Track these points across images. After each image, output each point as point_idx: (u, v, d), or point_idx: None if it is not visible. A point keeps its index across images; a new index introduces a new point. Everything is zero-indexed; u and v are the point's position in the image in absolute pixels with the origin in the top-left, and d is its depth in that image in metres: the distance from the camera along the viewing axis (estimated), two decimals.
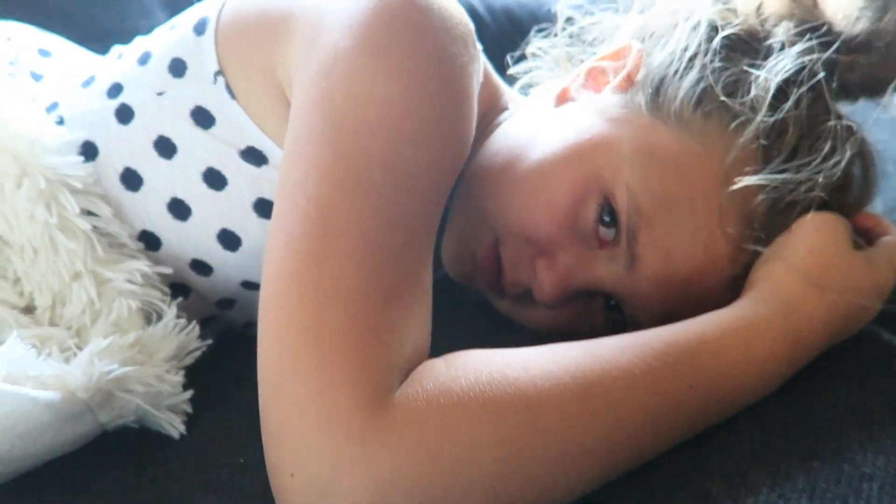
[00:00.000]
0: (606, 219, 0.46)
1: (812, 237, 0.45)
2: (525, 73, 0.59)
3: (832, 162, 0.46)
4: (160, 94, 0.49)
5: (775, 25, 0.49)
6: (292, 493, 0.35)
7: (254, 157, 0.48)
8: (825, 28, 0.48)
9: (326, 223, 0.38)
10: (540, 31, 0.59)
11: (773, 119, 0.45)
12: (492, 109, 0.55)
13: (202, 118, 0.48)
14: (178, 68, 0.49)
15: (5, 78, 0.52)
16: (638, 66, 0.50)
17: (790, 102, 0.45)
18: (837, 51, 0.48)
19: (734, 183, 0.44)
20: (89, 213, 0.48)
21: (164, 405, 0.45)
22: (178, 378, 0.45)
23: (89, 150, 0.49)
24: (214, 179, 0.49)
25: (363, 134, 0.39)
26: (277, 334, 0.36)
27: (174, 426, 0.45)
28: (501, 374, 0.36)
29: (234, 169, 0.48)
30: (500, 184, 0.49)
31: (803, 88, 0.45)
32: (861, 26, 0.48)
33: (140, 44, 0.53)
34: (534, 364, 0.37)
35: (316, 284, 0.36)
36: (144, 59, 0.51)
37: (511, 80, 0.60)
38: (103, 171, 0.49)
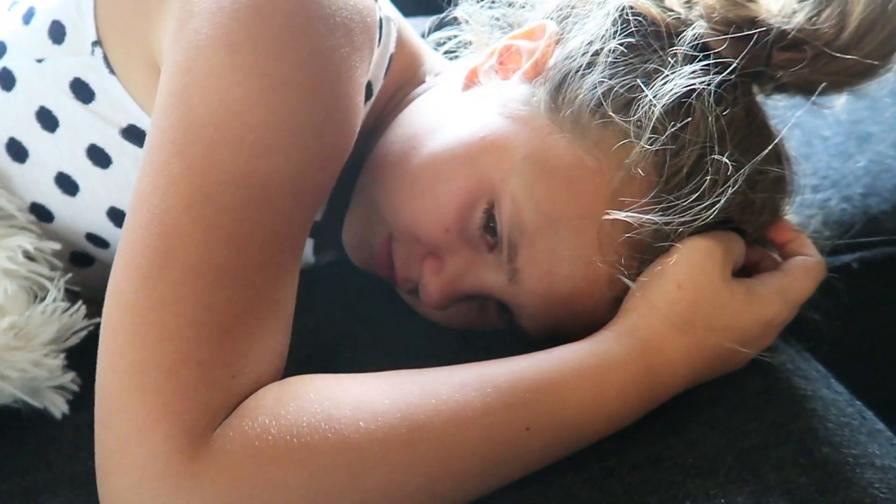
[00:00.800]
0: (492, 224, 0.43)
1: (682, 268, 0.41)
2: (449, 39, 0.54)
3: (711, 201, 0.40)
4: (40, 60, 0.46)
5: (697, 19, 0.43)
6: None
7: (136, 136, 0.46)
8: (754, 29, 0.42)
9: (166, 244, 0.35)
10: None
11: (653, 147, 0.40)
12: (409, 82, 0.51)
13: (82, 92, 0.46)
14: (57, 33, 0.46)
15: None
16: (548, 53, 0.45)
17: (673, 129, 0.40)
18: (768, 47, 0.42)
19: (620, 204, 0.40)
20: None
21: (45, 387, 0.45)
22: (58, 362, 0.45)
23: None
24: (99, 156, 0.47)
25: (216, 143, 0.36)
26: (109, 364, 0.35)
27: (58, 407, 0.46)
28: (325, 414, 0.35)
29: (118, 148, 0.46)
30: (393, 179, 0.46)
31: (689, 118, 0.41)
32: (795, 20, 0.42)
33: None
34: (365, 400, 0.36)
35: (148, 313, 0.35)
36: (28, 17, 0.47)
37: None
38: None
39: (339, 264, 0.57)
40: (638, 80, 0.41)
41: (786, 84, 0.44)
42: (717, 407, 0.43)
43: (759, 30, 0.42)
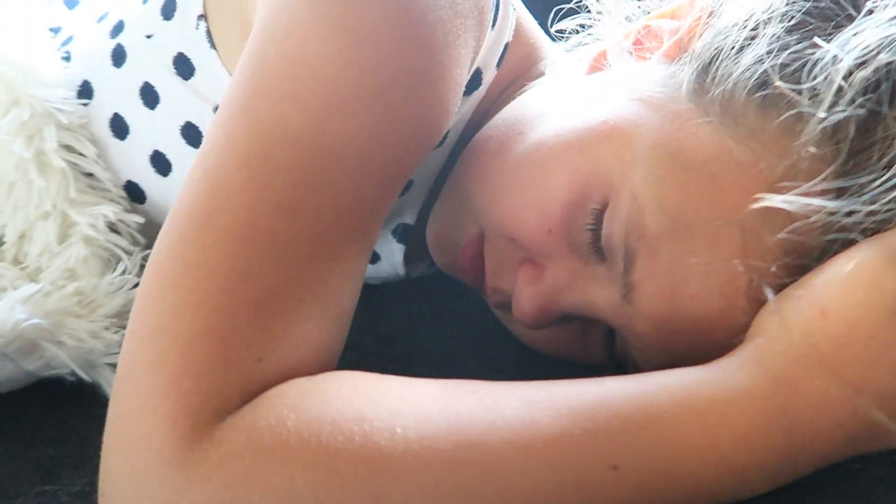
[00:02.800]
0: (595, 229, 0.37)
1: (833, 290, 0.31)
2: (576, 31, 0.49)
3: None
4: (149, 36, 0.47)
5: None
6: None
7: None
8: None
9: (212, 203, 0.32)
10: None
11: (836, 116, 0.32)
12: (525, 75, 0.47)
13: (183, 67, 0.45)
14: (168, 9, 0.46)
15: (16, 4, 0.52)
16: (695, 30, 0.38)
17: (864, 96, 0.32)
18: None
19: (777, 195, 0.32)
20: (74, 152, 0.47)
21: (100, 362, 0.44)
22: (117, 337, 0.44)
23: (86, 90, 0.48)
24: (192, 135, 0.46)
25: (284, 98, 0.33)
26: (131, 327, 0.32)
27: (110, 382, 0.44)
28: (356, 413, 0.29)
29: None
30: (491, 167, 0.41)
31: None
32: None
33: None
34: (409, 404, 0.30)
35: (178, 275, 0.31)
36: None
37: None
38: (94, 114, 0.48)
39: (433, 276, 0.52)
40: (816, 39, 0.33)
41: None
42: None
43: None
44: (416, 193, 0.47)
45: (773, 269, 0.32)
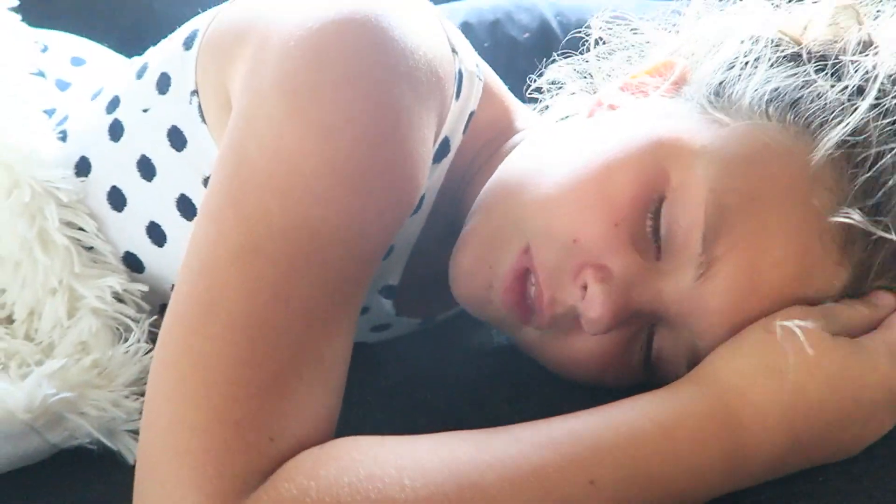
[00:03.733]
0: (654, 228, 0.41)
1: (774, 318, 0.38)
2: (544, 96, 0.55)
3: None
4: (145, 110, 0.49)
5: (820, 47, 0.44)
6: None
7: None
8: (871, 50, 0.42)
9: (211, 296, 0.35)
10: (562, 55, 0.54)
11: (861, 118, 0.39)
12: (501, 132, 0.51)
13: (177, 139, 0.48)
14: (163, 84, 0.49)
15: (17, 88, 0.54)
16: (685, 75, 0.46)
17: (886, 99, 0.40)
18: None
19: (825, 191, 0.39)
20: (74, 228, 0.50)
21: (120, 429, 0.46)
22: (136, 405, 0.46)
23: (83, 166, 0.51)
24: (186, 207, 0.48)
25: (267, 193, 0.37)
26: (147, 421, 0.35)
27: (130, 451, 0.46)
28: (368, 474, 0.33)
29: (200, 197, 0.47)
30: (541, 184, 0.43)
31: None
32: None
33: (146, 56, 0.53)
34: (411, 459, 0.34)
35: (187, 368, 0.35)
36: (141, 72, 0.51)
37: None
38: (92, 188, 0.50)
39: (423, 336, 0.56)
40: (812, 72, 0.41)
41: None
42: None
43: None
44: (398, 257, 0.50)
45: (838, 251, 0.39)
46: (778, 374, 0.37)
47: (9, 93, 0.53)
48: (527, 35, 0.87)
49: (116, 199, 0.50)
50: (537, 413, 0.38)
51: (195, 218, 0.39)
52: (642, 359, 0.44)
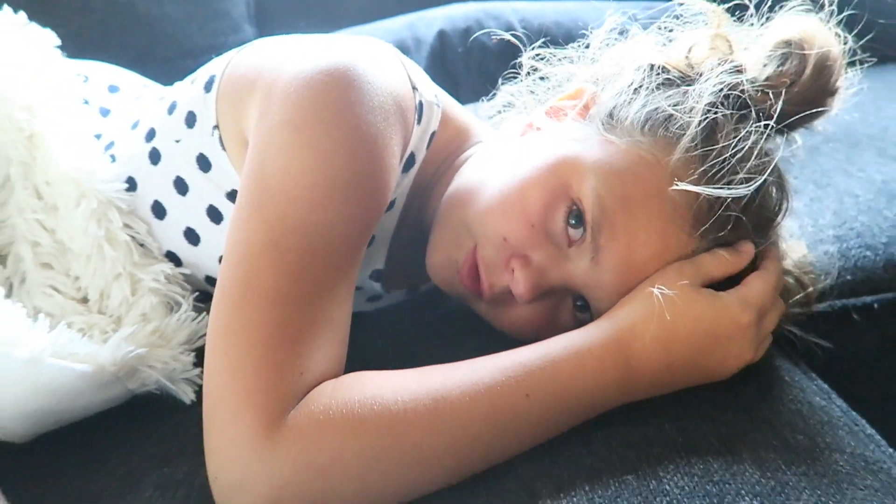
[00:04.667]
0: (573, 221, 0.55)
1: (651, 279, 0.53)
2: (497, 112, 0.71)
3: (748, 178, 0.53)
4: (178, 141, 0.63)
5: (703, 67, 0.58)
6: (216, 493, 0.47)
7: (236, 199, 0.60)
8: (741, 68, 0.57)
9: (248, 279, 0.49)
10: (507, 78, 0.69)
11: (704, 129, 0.53)
12: (458, 147, 0.66)
13: (204, 163, 0.62)
14: (190, 120, 0.63)
15: (73, 118, 0.69)
16: (592, 101, 0.60)
17: (717, 118, 0.54)
18: (754, 88, 0.56)
19: (678, 182, 0.53)
20: (130, 229, 0.65)
21: (179, 378, 0.61)
22: (189, 358, 0.61)
23: (131, 184, 0.65)
24: (214, 214, 0.63)
25: (282, 202, 0.50)
26: (214, 368, 0.49)
27: (187, 394, 0.61)
28: (371, 395, 0.47)
29: (225, 207, 0.62)
30: (480, 196, 0.58)
31: (728, 112, 0.54)
32: (768, 70, 0.56)
33: (172, 93, 0.68)
34: (402, 384, 0.48)
35: (238, 329, 0.48)
36: (171, 109, 0.65)
37: None
38: (139, 201, 0.64)
39: (408, 303, 0.72)
40: (676, 106, 0.55)
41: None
42: (711, 405, 0.54)
43: (744, 77, 0.56)
44: (380, 244, 0.65)
45: (688, 226, 0.53)
46: (656, 317, 0.52)
47: (70, 122, 0.67)
48: (496, 40, 1.01)
49: (159, 210, 0.65)
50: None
51: (230, 222, 0.53)
52: (575, 323, 0.58)
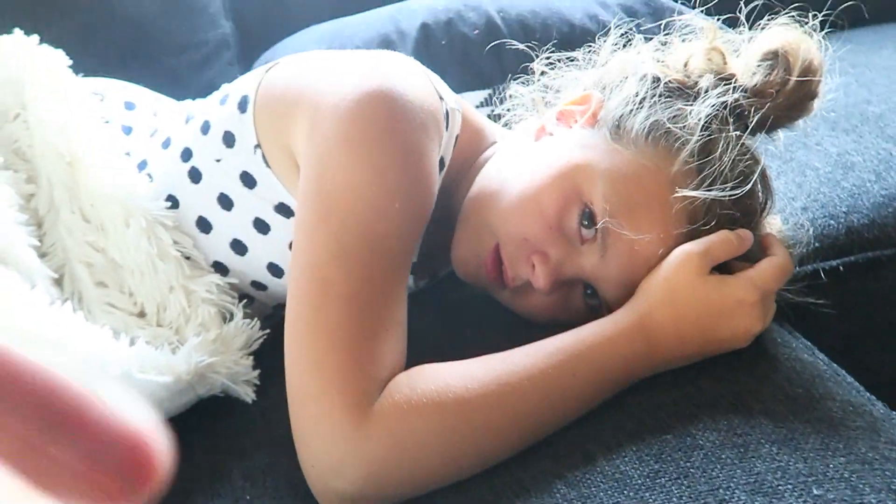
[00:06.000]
0: (585, 222, 0.62)
1: (666, 266, 0.61)
2: (508, 110, 0.78)
3: (742, 183, 0.62)
4: (218, 160, 0.68)
5: (700, 76, 0.66)
6: (315, 479, 0.54)
7: (284, 211, 0.68)
8: (734, 79, 0.65)
9: (325, 286, 0.56)
10: (516, 79, 0.77)
11: (701, 143, 0.62)
12: (476, 150, 0.73)
13: (248, 180, 0.67)
14: (229, 140, 0.68)
15: (106, 137, 0.73)
16: (599, 109, 0.68)
17: (713, 131, 0.62)
18: (744, 96, 0.65)
19: (678, 190, 0.61)
20: (177, 244, 0.70)
21: (240, 380, 0.68)
22: (249, 361, 0.67)
23: (173, 201, 0.70)
24: (261, 226, 0.69)
25: (346, 214, 0.57)
26: (298, 368, 0.56)
27: (248, 395, 0.68)
28: (444, 384, 0.55)
29: (273, 219, 0.68)
30: (502, 199, 0.65)
31: (722, 125, 0.63)
32: (757, 79, 0.65)
33: (200, 111, 0.72)
34: (468, 373, 0.56)
35: (320, 331, 0.55)
36: (205, 129, 0.69)
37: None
38: (183, 217, 0.69)
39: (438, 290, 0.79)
40: (680, 106, 0.63)
41: (759, 124, 0.65)
42: (721, 367, 0.63)
43: (734, 84, 0.65)
44: None
45: (685, 225, 0.61)
46: (671, 302, 0.61)
47: (104, 143, 0.72)
48: (476, 31, 1.06)
49: (204, 225, 0.70)
50: (517, 330, 0.63)
51: (295, 235, 0.60)
52: (586, 308, 0.66)
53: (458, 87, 1.06)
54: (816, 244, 0.85)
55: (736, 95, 0.64)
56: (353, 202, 0.58)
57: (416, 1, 1.15)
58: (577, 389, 0.58)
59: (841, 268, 0.85)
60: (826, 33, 0.69)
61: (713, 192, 0.61)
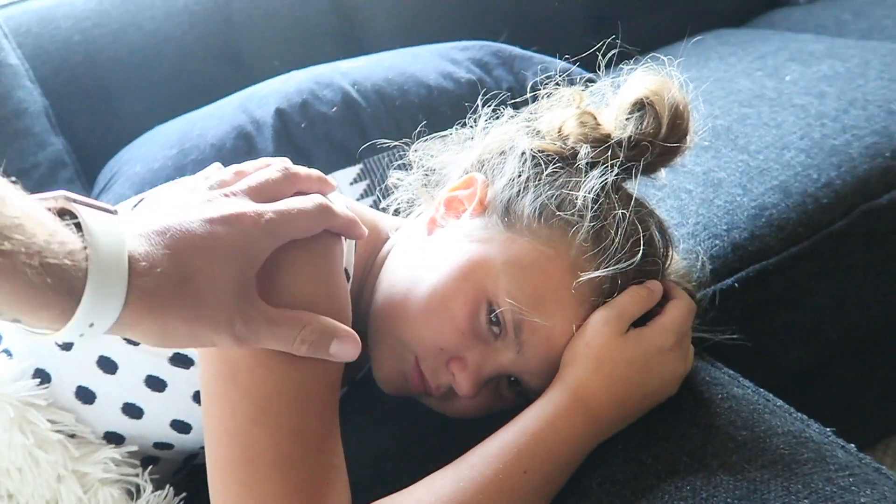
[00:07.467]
0: (494, 319, 0.60)
1: (588, 333, 0.61)
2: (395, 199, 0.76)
3: (640, 250, 0.62)
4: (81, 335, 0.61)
5: (576, 143, 0.66)
6: None
7: (182, 361, 0.62)
8: (610, 141, 0.66)
9: (247, 452, 0.51)
10: (399, 167, 0.74)
11: (594, 224, 0.61)
12: (373, 249, 0.70)
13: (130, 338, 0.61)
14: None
15: None
16: (485, 193, 0.66)
17: (602, 208, 0.62)
18: (624, 152, 0.65)
19: (580, 273, 0.60)
20: (55, 423, 0.62)
21: None
22: None
23: (43, 375, 0.62)
24: (155, 384, 0.62)
25: (254, 367, 0.52)
26: None
27: None
28: None
29: (168, 373, 0.62)
30: (407, 313, 0.62)
31: (608, 199, 0.63)
32: (630, 131, 0.66)
33: None
34: (415, 501, 0.54)
35: (246, 496, 0.51)
36: None
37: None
38: (59, 391, 0.62)
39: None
40: (565, 181, 0.62)
41: (644, 169, 0.66)
42: (664, 424, 0.63)
43: (611, 141, 0.65)
44: None
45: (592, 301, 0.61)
46: (598, 368, 0.60)
47: None
48: (335, 108, 1.02)
49: (85, 395, 0.62)
50: (460, 438, 0.60)
51: (203, 403, 0.54)
52: (514, 396, 0.65)
53: (327, 167, 1.02)
54: (710, 266, 0.88)
55: (616, 171, 0.64)
56: (256, 353, 0.53)
57: (261, 87, 1.10)
58: (533, 485, 0.56)
59: (736, 284, 0.88)
60: (650, 56, 0.71)
61: (616, 267, 0.61)
